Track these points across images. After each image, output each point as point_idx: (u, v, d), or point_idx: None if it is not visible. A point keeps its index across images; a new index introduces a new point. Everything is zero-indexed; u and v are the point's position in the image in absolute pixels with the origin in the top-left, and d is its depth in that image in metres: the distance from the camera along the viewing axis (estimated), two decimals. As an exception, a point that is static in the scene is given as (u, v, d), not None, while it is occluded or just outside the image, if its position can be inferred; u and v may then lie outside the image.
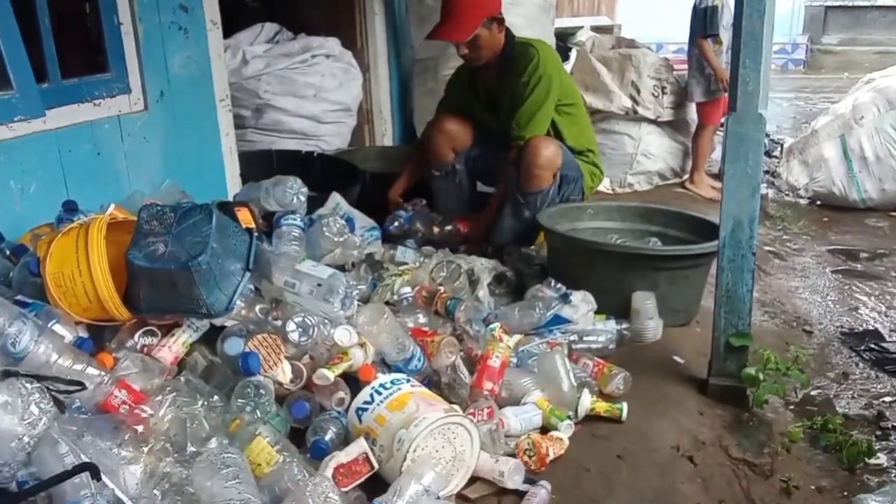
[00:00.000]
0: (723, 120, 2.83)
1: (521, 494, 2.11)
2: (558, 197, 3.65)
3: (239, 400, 2.10)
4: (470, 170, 3.95)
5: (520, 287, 3.28)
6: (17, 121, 2.64)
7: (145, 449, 1.83)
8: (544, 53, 3.64)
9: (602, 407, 2.54)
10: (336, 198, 3.58)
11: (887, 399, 3.04)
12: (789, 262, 4.70)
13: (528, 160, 3.52)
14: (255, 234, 2.49)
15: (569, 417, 2.42)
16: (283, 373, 2.26)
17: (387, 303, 2.86)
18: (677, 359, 3.01)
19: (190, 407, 2.01)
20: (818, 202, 5.98)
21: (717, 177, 5.89)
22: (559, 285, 3.12)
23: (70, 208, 2.60)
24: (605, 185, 5.50)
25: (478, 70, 3.77)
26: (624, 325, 3.03)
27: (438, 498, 1.91)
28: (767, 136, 6.79)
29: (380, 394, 2.14)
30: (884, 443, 2.70)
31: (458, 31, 3.56)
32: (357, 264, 3.13)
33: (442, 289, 2.93)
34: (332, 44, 4.76)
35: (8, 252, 2.51)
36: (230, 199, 3.44)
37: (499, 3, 3.64)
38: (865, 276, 4.45)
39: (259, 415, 2.08)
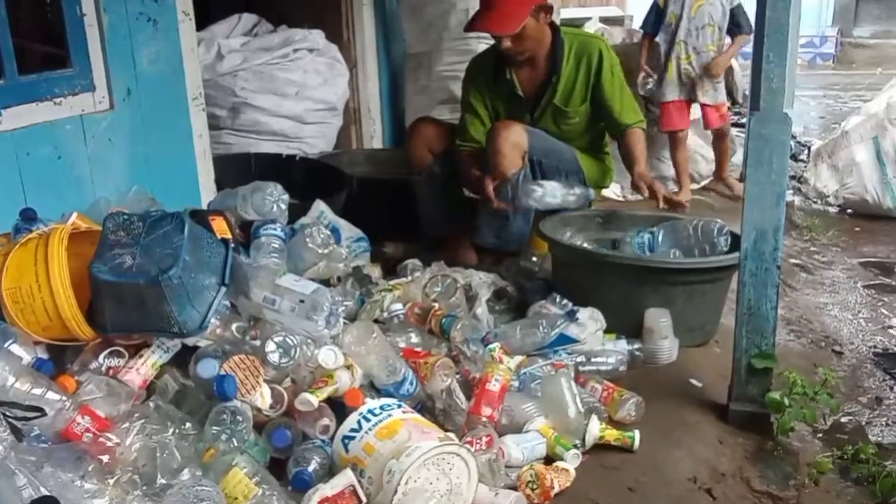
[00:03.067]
0: (746, 121, 2.84)
1: (523, 531, 2.12)
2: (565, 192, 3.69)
3: (214, 427, 2.10)
4: (451, 173, 3.94)
5: (521, 303, 3.29)
6: (-31, 121, 2.66)
7: (111, 481, 1.84)
8: (604, 42, 3.80)
9: (612, 435, 2.54)
10: (320, 206, 3.59)
11: (925, 426, 3.05)
12: (817, 275, 4.71)
13: (491, 143, 3.58)
14: (232, 245, 2.50)
15: (575, 446, 2.43)
16: (262, 397, 2.26)
17: (376, 321, 2.87)
18: (694, 382, 3.02)
19: (160, 435, 2.02)
20: (849, 210, 5.99)
21: (739, 182, 5.96)
22: (565, 301, 3.14)
23: (28, 217, 2.60)
24: (615, 192, 5.51)
25: (505, 63, 3.76)
26: (636, 346, 3.04)
27: (432, 535, 1.92)
28: (793, 137, 6.81)
29: (368, 421, 2.15)
30: (921, 475, 2.71)
31: (507, 21, 3.53)
32: (343, 279, 3.15)
33: (436, 305, 2.93)
34: (316, 37, 4.78)
35: (-41, 265, 2.51)
36: (204, 206, 3.46)
37: None
38: (901, 291, 4.47)
39: (236, 444, 2.09)
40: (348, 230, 3.55)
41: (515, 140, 3.55)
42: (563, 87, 3.71)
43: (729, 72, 8.69)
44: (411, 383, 2.43)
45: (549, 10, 3.58)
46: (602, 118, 3.80)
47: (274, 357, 2.31)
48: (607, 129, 3.87)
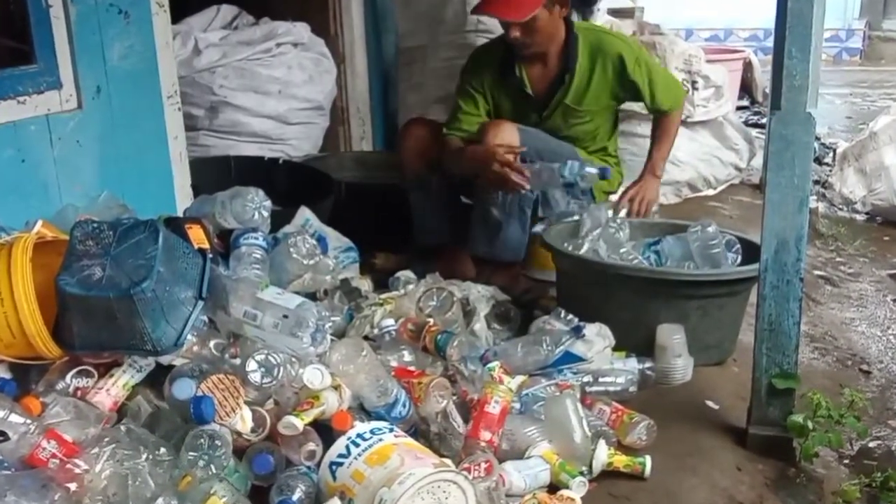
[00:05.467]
0: (766, 121, 2.85)
1: (525, 565, 2.13)
2: (567, 199, 3.70)
3: (190, 453, 2.11)
4: (449, 183, 3.95)
5: (523, 318, 3.30)
6: (-76, 122, 2.66)
7: (79, 511, 1.85)
8: (619, 37, 3.89)
9: (621, 461, 2.55)
10: (305, 213, 3.59)
11: (959, 452, 3.06)
12: (843, 289, 4.72)
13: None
14: (210, 255, 2.52)
15: (581, 473, 2.44)
16: (243, 420, 2.26)
17: (365, 337, 2.87)
18: (711, 404, 3.04)
19: (132, 461, 2.02)
20: (878, 218, 6.01)
21: (758, 187, 5.98)
22: (570, 316, 3.14)
23: (-11, 226, 2.61)
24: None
25: (515, 58, 3.77)
26: (647, 365, 3.05)
27: (427, 569, 1.92)
28: (817, 139, 6.84)
29: (357, 445, 2.15)
30: (954, 504, 2.72)
31: (515, 7, 3.54)
32: (330, 292, 3.15)
33: (431, 321, 2.94)
34: (301, 30, 4.79)
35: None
36: (180, 214, 3.46)
37: None
38: (934, 305, 4.48)
39: (214, 470, 2.09)
40: (336, 239, 3.55)
41: (506, 140, 3.56)
42: (577, 87, 3.74)
43: (748, 68, 8.74)
44: (404, 405, 2.44)
45: (564, 3, 3.60)
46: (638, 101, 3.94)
47: (255, 377, 2.31)
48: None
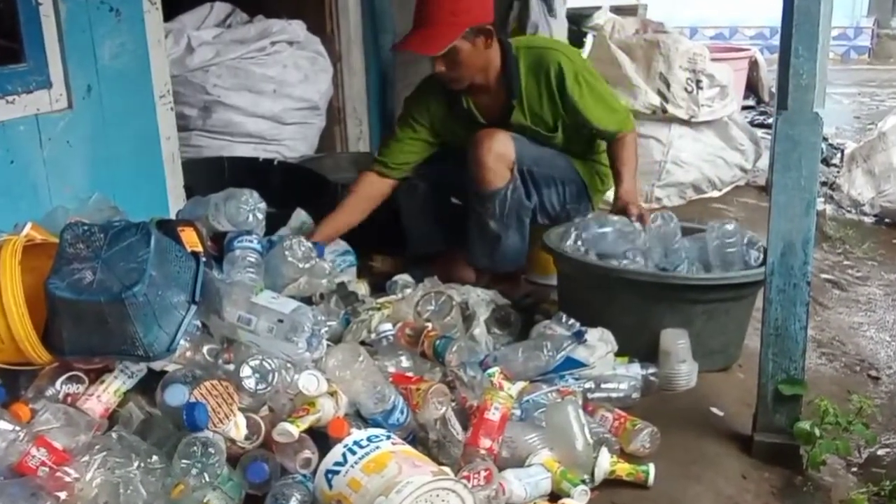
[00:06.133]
0: (772, 121, 2.85)
1: (525, 575, 2.13)
2: (563, 210, 3.69)
3: (183, 461, 2.11)
4: (436, 184, 3.91)
5: (523, 322, 3.30)
6: (-90, 121, 2.67)
7: (69, 520, 1.85)
8: (561, 49, 3.74)
9: (624, 469, 2.55)
10: (301, 215, 3.60)
11: (970, 459, 3.06)
12: (851, 292, 4.73)
13: (472, 156, 3.57)
14: (203, 259, 2.51)
15: (583, 482, 2.44)
16: (237, 427, 2.26)
17: (362, 343, 2.88)
18: (716, 410, 3.04)
19: (123, 469, 2.02)
20: (887, 220, 6.01)
21: (764, 189, 5.98)
22: (572, 321, 3.14)
23: (-23, 228, 2.61)
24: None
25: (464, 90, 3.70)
26: (651, 370, 3.06)
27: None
28: (825, 139, 6.85)
29: (354, 453, 2.16)
30: (965, 513, 2.72)
31: (430, 42, 3.49)
32: (326, 296, 3.15)
33: (429, 326, 2.94)
34: (296, 28, 4.79)
35: None
36: (172, 216, 3.46)
37: (487, 11, 3.56)
38: (944, 310, 4.49)
39: (207, 479, 2.09)
40: (333, 243, 3.55)
41: (500, 151, 3.54)
42: (529, 109, 3.67)
43: (754, 67, 8.74)
44: (402, 412, 2.44)
45: (488, 33, 3.52)
46: (586, 129, 3.76)
47: (250, 383, 2.31)
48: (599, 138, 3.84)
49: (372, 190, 3.78)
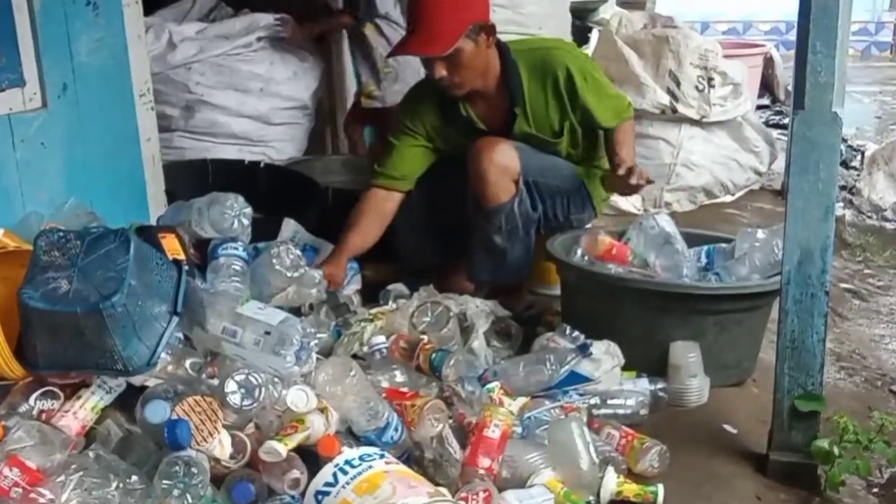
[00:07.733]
0: (788, 122, 2.85)
1: None
2: (566, 220, 3.69)
3: (164, 481, 2.11)
4: (430, 195, 3.83)
5: (525, 335, 3.31)
6: None
7: (43, 544, 1.85)
8: (563, 48, 3.72)
9: (631, 490, 2.55)
10: (291, 225, 3.59)
11: None
12: (872, 303, 4.73)
13: (474, 169, 3.52)
14: (185, 267, 2.52)
15: (588, 503, 2.44)
16: (221, 446, 2.27)
17: (354, 356, 2.88)
18: (728, 428, 3.04)
19: (101, 490, 2.02)
20: (909, 226, 6.03)
21: (780, 193, 5.99)
22: (576, 333, 3.14)
23: (-54, 235, 2.62)
24: (635, 205, 5.53)
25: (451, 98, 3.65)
26: (660, 385, 3.06)
27: None
28: (844, 141, 6.85)
29: (345, 473, 2.16)
30: None
31: (433, 42, 3.41)
32: (316, 307, 3.16)
33: (425, 338, 2.94)
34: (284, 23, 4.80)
35: None
36: (153, 222, 3.47)
37: (486, 8, 3.55)
38: (970, 321, 4.49)
39: (190, 500, 2.09)
40: (323, 250, 3.55)
41: (504, 163, 3.51)
42: (534, 115, 3.64)
43: (769, 64, 8.76)
44: (396, 429, 2.44)
45: (490, 30, 3.48)
46: (590, 128, 3.75)
47: (235, 399, 2.32)
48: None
49: (383, 208, 3.69)
